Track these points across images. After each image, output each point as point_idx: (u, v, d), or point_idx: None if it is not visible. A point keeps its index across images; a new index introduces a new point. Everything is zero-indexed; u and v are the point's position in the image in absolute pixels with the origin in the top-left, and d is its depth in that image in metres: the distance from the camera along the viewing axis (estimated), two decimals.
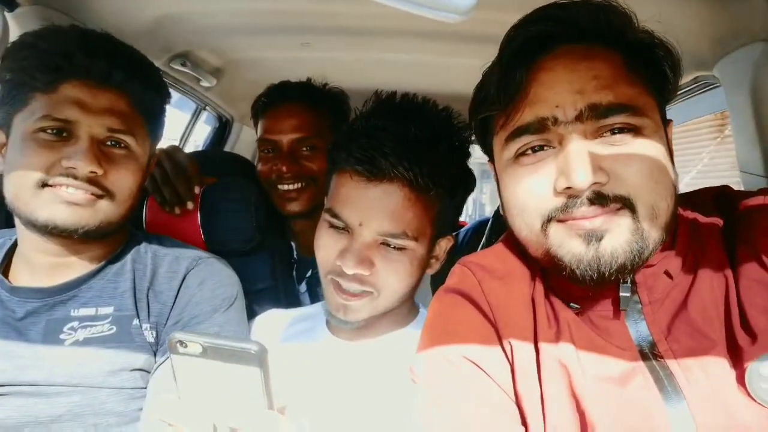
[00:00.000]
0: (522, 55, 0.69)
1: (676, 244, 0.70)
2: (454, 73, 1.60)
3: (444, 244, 0.96)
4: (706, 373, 0.63)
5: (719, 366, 0.63)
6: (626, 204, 0.64)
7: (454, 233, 1.69)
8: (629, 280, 0.68)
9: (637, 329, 0.69)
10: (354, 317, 0.89)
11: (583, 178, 0.64)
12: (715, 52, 1.15)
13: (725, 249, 0.70)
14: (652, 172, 0.65)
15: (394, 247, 0.86)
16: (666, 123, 0.72)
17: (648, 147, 0.66)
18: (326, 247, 0.89)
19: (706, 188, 0.79)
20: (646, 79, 0.69)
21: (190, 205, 1.21)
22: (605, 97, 0.66)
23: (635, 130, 0.66)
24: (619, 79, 0.67)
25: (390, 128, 0.85)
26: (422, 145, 0.85)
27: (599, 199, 0.65)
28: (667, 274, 0.69)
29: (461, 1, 0.40)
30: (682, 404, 0.62)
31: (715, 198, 0.76)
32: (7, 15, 1.08)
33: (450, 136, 0.90)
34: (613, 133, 0.66)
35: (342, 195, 0.88)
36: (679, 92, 1.45)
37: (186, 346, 0.57)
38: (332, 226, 0.89)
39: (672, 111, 1.72)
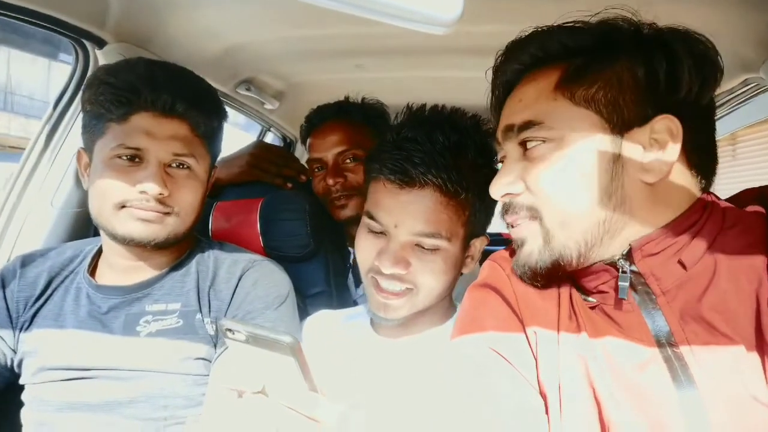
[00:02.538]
0: (497, 96, 0.83)
1: (693, 235, 0.70)
2: None
3: (478, 244, 1.00)
4: (721, 364, 0.63)
5: (736, 357, 0.63)
6: (534, 213, 0.73)
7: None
8: (628, 271, 0.70)
9: (654, 320, 0.69)
10: (394, 315, 0.94)
11: (493, 192, 0.78)
12: (761, 54, 1.14)
13: (765, 244, 0.69)
14: (560, 182, 0.70)
15: (429, 248, 0.92)
16: (641, 120, 0.69)
17: (562, 157, 0.70)
18: (365, 248, 0.96)
19: (748, 189, 0.79)
20: (587, 88, 0.70)
21: (304, 178, 1.57)
22: (520, 116, 0.74)
23: (557, 141, 0.71)
24: (541, 97, 0.73)
25: (419, 138, 0.91)
26: (450, 152, 0.91)
27: (509, 208, 0.76)
28: (681, 263, 0.69)
29: (445, 16, 0.46)
30: (694, 392, 0.63)
31: (757, 197, 0.76)
32: (97, 52, 1.25)
33: (478, 141, 0.95)
34: (534, 148, 0.73)
35: (378, 200, 0.95)
36: (734, 95, 1.43)
37: (233, 333, 0.65)
38: (370, 230, 0.96)
39: (735, 115, 1.67)
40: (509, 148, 0.77)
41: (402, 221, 0.91)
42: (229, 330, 0.65)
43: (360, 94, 1.61)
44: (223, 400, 0.68)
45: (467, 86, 1.77)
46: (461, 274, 1.02)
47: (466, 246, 0.97)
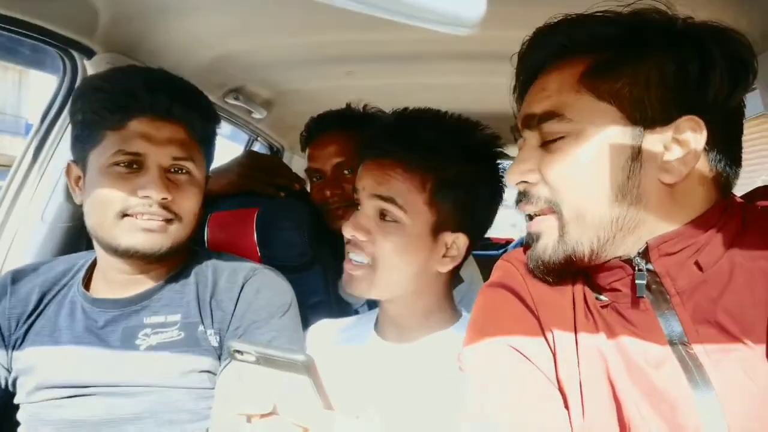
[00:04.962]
0: (521, 82, 0.81)
1: (712, 236, 0.69)
2: (494, 93, 1.65)
3: (459, 243, 0.98)
4: (735, 367, 0.63)
5: (750, 361, 0.63)
6: (552, 206, 0.72)
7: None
8: (644, 269, 0.69)
9: (667, 320, 0.69)
10: (356, 289, 0.97)
11: (510, 179, 0.77)
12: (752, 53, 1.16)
13: None
14: (576, 177, 0.70)
15: (389, 219, 0.95)
16: (665, 119, 0.67)
17: (580, 152, 0.69)
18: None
19: (763, 186, 0.80)
20: (612, 83, 0.68)
21: (297, 186, 1.56)
22: (541, 106, 0.72)
23: (576, 135, 0.69)
24: (564, 88, 0.71)
25: (396, 121, 1.01)
26: (422, 132, 0.96)
27: (525, 197, 0.75)
28: (698, 265, 0.69)
29: (469, 15, 0.46)
30: (711, 394, 0.63)
31: None
32: (86, 62, 1.23)
33: (462, 136, 0.99)
34: (553, 141, 0.71)
35: (358, 175, 1.01)
36: None
37: (242, 354, 0.63)
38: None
39: None
40: (528, 136, 0.76)
41: (366, 184, 0.97)
42: (238, 351, 0.63)
43: (348, 101, 1.60)
44: (230, 423, 0.66)
45: (459, 92, 1.78)
46: (459, 276, 1.02)
47: (435, 236, 0.96)
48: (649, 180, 0.68)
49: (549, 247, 0.74)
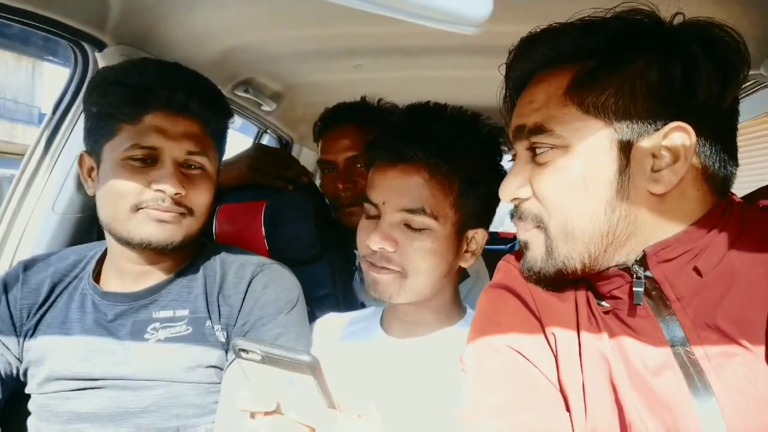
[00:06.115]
0: (510, 91, 0.80)
1: (710, 241, 0.68)
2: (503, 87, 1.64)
3: (478, 238, 0.99)
4: (736, 372, 0.63)
5: (751, 366, 0.63)
6: (539, 223, 0.73)
7: None
8: (642, 276, 0.69)
9: (668, 326, 0.68)
10: (384, 293, 0.95)
11: (503, 195, 0.77)
12: (762, 50, 1.15)
13: None
14: (564, 191, 0.69)
15: (417, 228, 0.93)
16: (652, 128, 0.66)
17: (568, 166, 0.69)
18: (361, 232, 0.99)
19: (766, 186, 0.79)
20: (597, 95, 0.67)
21: (306, 179, 1.53)
22: (530, 119, 0.72)
23: (564, 149, 0.69)
24: (551, 101, 0.70)
25: (413, 121, 0.97)
26: (442, 134, 0.94)
27: (516, 212, 0.76)
28: (697, 270, 0.68)
29: (475, 14, 0.45)
30: (711, 401, 0.63)
31: None
32: (97, 54, 1.23)
33: (474, 133, 0.97)
34: (542, 153, 0.71)
35: (372, 181, 0.98)
36: None
37: (247, 353, 0.63)
38: (367, 215, 0.99)
39: None
40: (519, 149, 0.76)
41: (389, 197, 0.93)
42: (243, 350, 0.63)
43: (359, 94, 1.59)
44: (236, 419, 0.67)
45: (468, 86, 1.76)
46: (465, 270, 1.01)
47: (460, 235, 0.97)
48: (638, 191, 0.68)
49: (538, 260, 0.74)
